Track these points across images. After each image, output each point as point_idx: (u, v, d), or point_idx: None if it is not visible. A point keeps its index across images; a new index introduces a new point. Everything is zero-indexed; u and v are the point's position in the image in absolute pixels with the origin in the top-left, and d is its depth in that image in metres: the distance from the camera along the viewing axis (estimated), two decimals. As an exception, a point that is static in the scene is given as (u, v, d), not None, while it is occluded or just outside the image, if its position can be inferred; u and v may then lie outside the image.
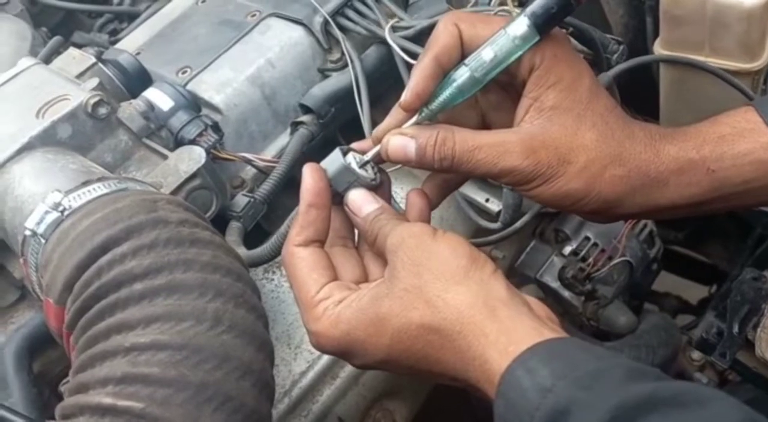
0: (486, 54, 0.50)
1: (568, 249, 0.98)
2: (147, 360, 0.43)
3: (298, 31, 0.83)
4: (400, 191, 0.86)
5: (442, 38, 0.51)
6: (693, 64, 0.79)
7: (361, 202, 0.52)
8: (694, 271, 1.39)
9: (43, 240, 0.54)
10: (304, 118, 0.81)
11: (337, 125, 0.87)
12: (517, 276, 0.99)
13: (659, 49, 0.87)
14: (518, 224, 0.78)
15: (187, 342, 0.44)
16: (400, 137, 0.52)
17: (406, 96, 0.51)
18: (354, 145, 0.55)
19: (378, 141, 0.53)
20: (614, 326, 1.01)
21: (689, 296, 1.39)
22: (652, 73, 0.95)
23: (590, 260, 0.98)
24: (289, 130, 0.82)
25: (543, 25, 0.48)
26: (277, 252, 0.68)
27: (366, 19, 0.82)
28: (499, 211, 0.81)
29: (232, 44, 0.83)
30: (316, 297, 0.49)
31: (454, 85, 0.51)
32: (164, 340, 0.44)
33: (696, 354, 1.03)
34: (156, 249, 0.49)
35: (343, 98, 0.81)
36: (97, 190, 0.56)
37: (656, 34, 0.90)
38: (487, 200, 0.83)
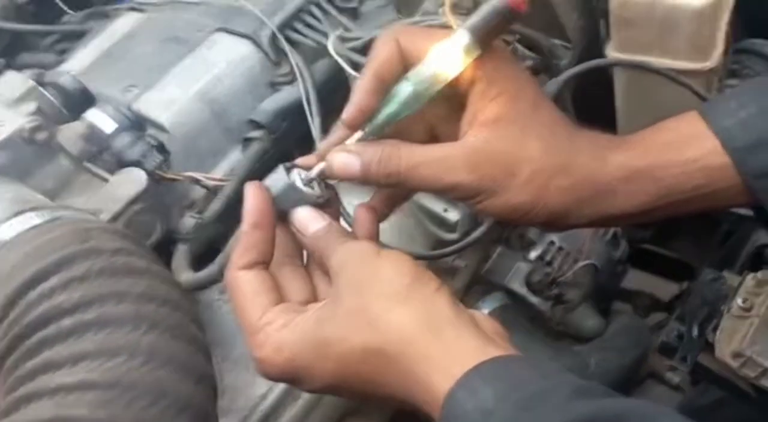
0: (426, 69, 0.48)
1: (533, 255, 0.98)
2: (75, 401, 0.41)
3: (245, 46, 0.82)
4: (356, 202, 0.85)
5: (381, 53, 0.50)
6: (642, 66, 0.79)
7: (306, 220, 0.51)
8: (664, 268, 1.39)
9: (-28, 276, 0.51)
10: (256, 133, 0.79)
11: (292, 139, 0.85)
12: (484, 284, 0.98)
13: (611, 52, 0.86)
14: (477, 234, 0.76)
15: (119, 380, 0.42)
16: (344, 154, 0.50)
17: (347, 112, 0.49)
18: (298, 161, 0.54)
19: (322, 157, 0.52)
20: (582, 330, 1.00)
21: (660, 293, 1.39)
22: (609, 76, 0.94)
23: (556, 264, 0.97)
24: (241, 147, 0.81)
25: (483, 38, 0.47)
26: (223, 272, 0.66)
27: (315, 31, 0.80)
28: (458, 221, 0.79)
29: (178, 61, 0.81)
30: (259, 322, 0.47)
31: (396, 100, 0.49)
32: (92, 379, 0.42)
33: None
34: (87, 281, 0.47)
35: (296, 112, 0.80)
36: (30, 220, 0.54)
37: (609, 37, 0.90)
38: (445, 210, 0.82)
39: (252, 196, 0.50)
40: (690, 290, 1.08)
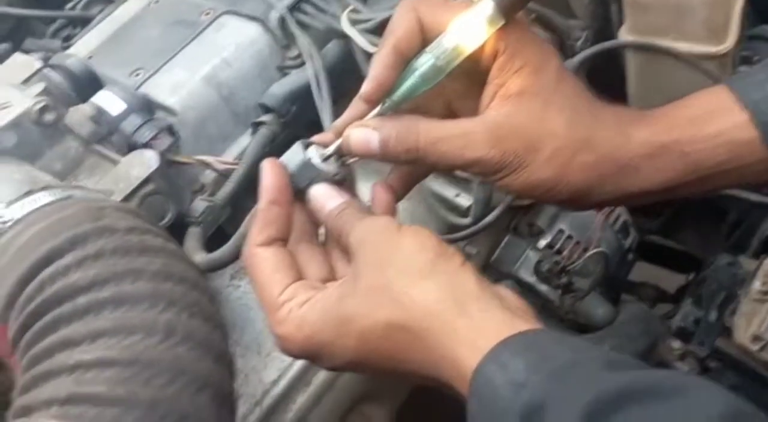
0: (448, 40, 0.47)
1: (542, 243, 0.97)
2: (93, 378, 0.40)
3: (254, 29, 0.80)
4: (366, 190, 0.83)
5: (400, 26, 0.48)
6: (659, 49, 0.78)
7: (324, 197, 0.50)
8: (670, 260, 1.39)
9: (-17, 255, 0.50)
10: (265, 117, 0.78)
11: (301, 124, 0.84)
12: (493, 273, 0.97)
13: (625, 36, 0.85)
14: (489, 218, 0.76)
15: (137, 357, 0.41)
16: (362, 129, 0.49)
17: (366, 87, 0.48)
18: (315, 138, 0.53)
19: (339, 134, 0.51)
20: (592, 318, 0.99)
21: (666, 285, 1.38)
22: (620, 60, 0.94)
23: (565, 253, 0.96)
24: (250, 131, 0.80)
25: (507, 9, 0.46)
26: (238, 253, 0.65)
27: (324, 13, 0.79)
28: (470, 206, 0.79)
29: (185, 44, 0.80)
30: (279, 298, 0.47)
31: (417, 73, 0.48)
32: (111, 356, 0.41)
33: (676, 344, 1.02)
34: (102, 259, 0.46)
35: (305, 96, 0.78)
36: (41, 199, 0.52)
37: (622, 21, 0.89)
38: (457, 195, 0.81)
39: (269, 172, 0.49)
40: (699, 278, 1.07)
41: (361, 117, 0.50)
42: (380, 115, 0.50)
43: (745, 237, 0.99)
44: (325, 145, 0.51)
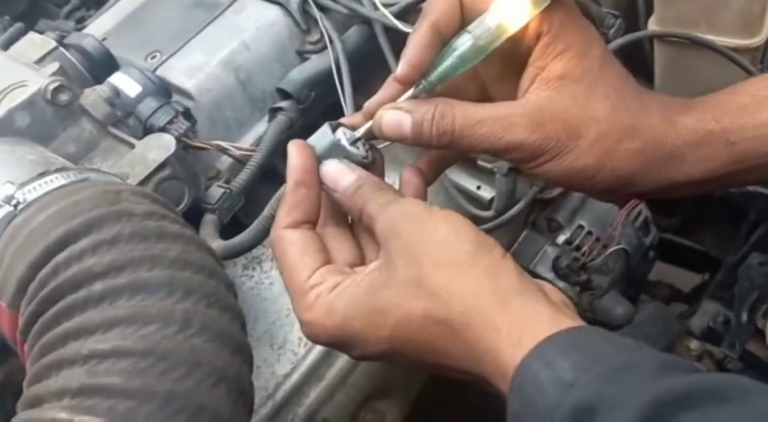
0: (491, 20, 0.45)
1: (561, 239, 0.95)
2: (107, 369, 0.38)
3: (274, 11, 0.79)
4: (387, 179, 0.81)
5: (440, 3, 0.46)
6: (693, 39, 0.76)
7: (336, 174, 0.47)
8: (685, 259, 1.37)
9: (-6, 238, 0.49)
10: (283, 103, 0.76)
11: (319, 110, 0.82)
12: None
13: (654, 27, 0.83)
14: (512, 211, 0.74)
15: (153, 348, 0.39)
16: (394, 112, 0.47)
17: (402, 68, 0.46)
18: (344, 120, 0.51)
19: (370, 116, 0.49)
20: (611, 317, 0.97)
21: (680, 283, 1.36)
22: (644, 52, 0.91)
23: (584, 249, 0.94)
24: (267, 117, 0.78)
25: None
26: (258, 239, 0.63)
27: (347, -3, 0.77)
28: (492, 199, 0.77)
29: (204, 26, 0.78)
30: (307, 282, 0.45)
31: (455, 53, 0.46)
32: (127, 346, 0.39)
33: (693, 344, 1.00)
34: (118, 244, 0.44)
35: (324, 81, 0.77)
36: (55, 181, 0.51)
37: (648, 12, 0.87)
38: (478, 187, 0.79)
39: (296, 153, 0.47)
40: (717, 279, 1.05)
41: (393, 99, 0.48)
42: (414, 97, 0.48)
43: (766, 236, 0.97)
44: (354, 127, 0.49)
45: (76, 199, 0.47)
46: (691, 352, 1.02)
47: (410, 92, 0.47)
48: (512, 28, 0.45)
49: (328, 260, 0.46)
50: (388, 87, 0.49)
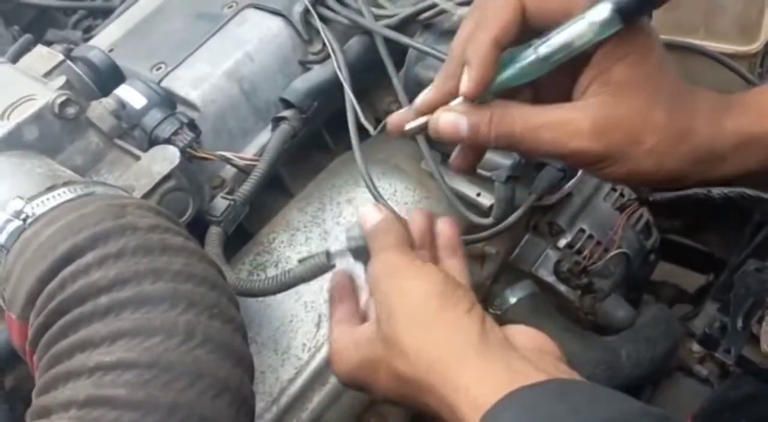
0: (559, 39, 0.45)
1: (563, 242, 0.95)
2: (113, 380, 0.40)
3: (276, 23, 0.80)
4: (388, 187, 0.83)
5: (503, 15, 0.46)
6: (690, 47, 0.76)
7: (367, 214, 0.54)
8: (690, 259, 1.37)
9: (4, 251, 0.50)
10: (286, 113, 0.77)
11: (321, 120, 0.84)
12: (512, 272, 0.96)
13: (653, 33, 0.84)
14: (511, 219, 0.75)
15: (157, 360, 0.41)
16: (452, 114, 0.49)
17: (470, 85, 0.47)
18: (393, 117, 0.52)
19: (421, 113, 0.51)
20: (612, 320, 0.98)
21: (686, 284, 1.36)
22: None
23: (586, 253, 0.95)
24: (270, 127, 0.79)
25: (629, 14, 0.44)
26: (273, 292, 0.65)
27: (347, 8, 0.78)
28: (491, 206, 0.77)
29: (208, 38, 0.80)
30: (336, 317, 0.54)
31: (517, 67, 0.47)
32: (131, 358, 0.40)
33: (696, 346, 1.01)
34: (123, 258, 0.45)
35: (326, 91, 0.78)
36: (62, 195, 0.52)
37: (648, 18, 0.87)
38: (478, 195, 0.80)
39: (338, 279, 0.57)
40: (721, 281, 1.05)
41: (445, 98, 0.50)
42: (468, 101, 0.48)
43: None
44: (404, 122, 0.51)
45: (83, 213, 0.49)
46: (693, 354, 1.03)
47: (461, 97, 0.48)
48: (580, 48, 0.45)
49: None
50: (441, 85, 0.50)
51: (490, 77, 0.47)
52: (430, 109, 0.50)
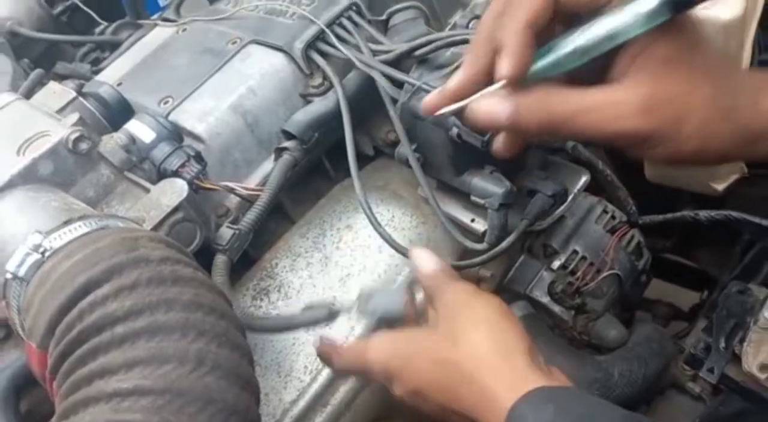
0: (599, 29, 0.44)
1: (556, 264, 0.98)
2: (130, 406, 0.43)
3: (278, 58, 0.84)
4: (386, 213, 0.86)
5: (535, 2, 0.45)
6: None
7: (423, 260, 0.63)
8: (684, 277, 1.40)
9: (24, 283, 0.53)
10: (288, 144, 0.81)
11: (321, 150, 0.87)
12: (507, 293, 0.99)
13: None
14: (504, 244, 0.78)
15: (170, 386, 0.44)
16: (490, 100, 0.47)
17: (509, 68, 0.45)
18: (427, 100, 0.51)
19: (452, 98, 0.49)
20: (605, 340, 1.00)
21: (681, 302, 1.39)
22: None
23: (579, 274, 0.98)
24: (273, 157, 0.82)
25: (679, 6, 0.42)
26: (278, 330, 0.70)
27: (346, 44, 0.82)
28: (485, 232, 0.81)
29: (213, 73, 0.83)
30: None
31: (554, 57, 0.45)
32: (147, 385, 0.43)
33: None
34: (137, 289, 0.49)
35: (326, 123, 0.81)
36: (78, 229, 0.55)
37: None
38: (472, 220, 0.83)
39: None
40: (711, 300, 1.08)
41: (476, 82, 0.48)
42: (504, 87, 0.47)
43: (757, 260, 1.00)
44: (439, 106, 0.50)
45: (98, 247, 0.52)
46: (686, 372, 1.05)
47: (501, 83, 0.46)
48: (621, 40, 0.44)
49: None
50: (469, 69, 0.48)
51: (528, 61, 0.45)
52: (462, 92, 0.49)
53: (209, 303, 0.50)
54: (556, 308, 0.98)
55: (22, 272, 0.53)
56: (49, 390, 0.50)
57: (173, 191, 0.65)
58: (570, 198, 0.85)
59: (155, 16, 1.07)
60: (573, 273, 0.98)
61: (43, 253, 0.54)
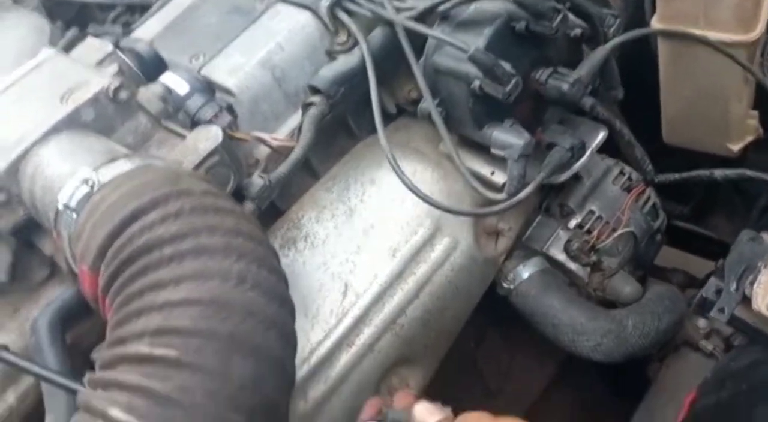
0: None
1: (573, 223, 1.01)
2: (179, 314, 0.47)
3: (305, 15, 0.86)
4: (408, 168, 0.89)
5: None
6: (688, 35, 0.82)
7: (426, 413, 0.60)
8: (700, 246, 1.41)
9: (74, 214, 0.57)
10: (315, 98, 0.84)
11: (346, 106, 0.90)
12: (525, 250, 1.02)
13: (656, 24, 0.89)
14: (522, 194, 0.80)
15: (216, 298, 0.47)
16: None
17: None
18: None
19: None
20: (620, 295, 1.03)
21: (696, 271, 1.40)
22: (653, 48, 0.97)
23: (595, 232, 1.00)
24: (299, 111, 0.86)
25: None
26: None
27: (371, 1, 0.84)
28: (504, 184, 0.83)
29: (242, 30, 0.86)
30: None
31: None
32: (194, 297, 0.47)
33: (702, 322, 1.05)
34: (182, 217, 0.52)
35: (351, 79, 0.84)
36: (124, 165, 0.59)
37: (654, 10, 0.92)
38: (492, 173, 0.86)
39: None
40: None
41: None
42: None
43: (772, 218, 1.02)
44: None
45: (144, 180, 0.56)
46: (699, 330, 1.07)
47: None
48: None
49: None
50: None
51: None
52: None
53: (248, 231, 0.54)
54: (573, 265, 1.00)
55: (73, 203, 0.57)
56: (100, 309, 0.54)
57: (209, 137, 0.69)
58: (588, 152, 0.87)
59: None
60: (589, 232, 1.00)
61: (92, 186, 0.57)
